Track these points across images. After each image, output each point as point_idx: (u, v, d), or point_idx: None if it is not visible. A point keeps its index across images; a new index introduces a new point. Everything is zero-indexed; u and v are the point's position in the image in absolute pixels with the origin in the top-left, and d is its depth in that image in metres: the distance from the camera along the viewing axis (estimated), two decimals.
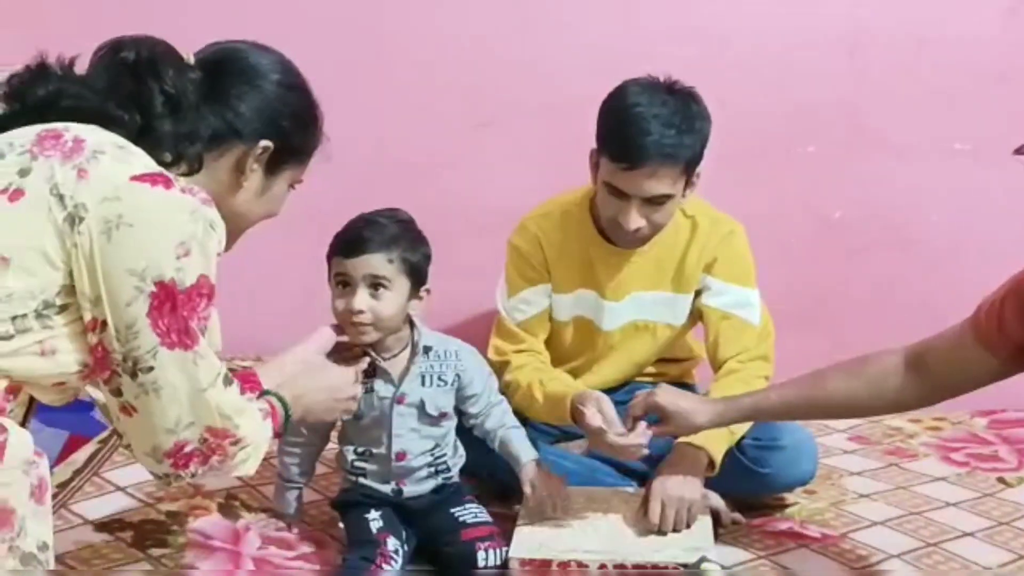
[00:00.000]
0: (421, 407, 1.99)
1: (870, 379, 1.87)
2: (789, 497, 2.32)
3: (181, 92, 1.48)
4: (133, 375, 1.39)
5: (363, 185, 2.93)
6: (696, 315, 2.34)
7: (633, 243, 2.20)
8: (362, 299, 1.90)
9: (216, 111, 1.52)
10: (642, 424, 2.02)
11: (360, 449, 2.01)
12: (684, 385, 2.45)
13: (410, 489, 2.01)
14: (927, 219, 2.99)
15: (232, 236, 1.55)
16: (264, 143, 1.55)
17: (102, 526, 2.04)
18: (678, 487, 2.04)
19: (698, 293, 2.30)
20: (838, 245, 3.01)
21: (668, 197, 2.11)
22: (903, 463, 2.60)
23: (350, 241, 1.92)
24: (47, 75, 1.47)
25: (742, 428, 2.16)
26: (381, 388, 1.97)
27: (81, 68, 1.51)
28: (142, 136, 1.45)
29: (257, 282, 2.85)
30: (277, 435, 1.65)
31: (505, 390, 2.20)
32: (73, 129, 1.42)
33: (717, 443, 2.12)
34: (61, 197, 1.36)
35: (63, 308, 1.38)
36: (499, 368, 2.27)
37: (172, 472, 1.47)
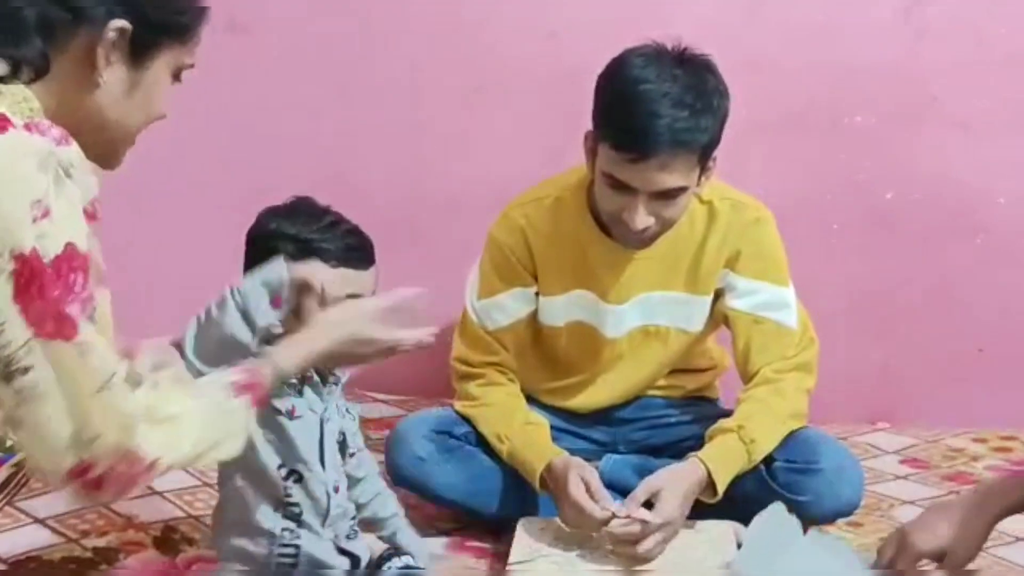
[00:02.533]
0: (342, 441, 1.90)
1: None
2: (829, 530, 2.30)
3: None
4: (6, 379, 1.30)
5: (330, 155, 2.91)
6: (719, 319, 2.32)
7: (638, 243, 2.18)
8: None
9: None
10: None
11: (288, 469, 1.81)
12: (705, 400, 2.45)
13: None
14: (994, 202, 2.98)
15: (112, 150, 1.45)
16: (116, 24, 1.39)
17: (17, 565, 2.03)
18: (681, 512, 2.05)
19: (720, 293, 2.29)
20: (890, 233, 3.01)
21: (682, 190, 2.07)
22: (965, 491, 2.54)
23: (360, 249, 1.82)
24: None
25: (761, 450, 2.16)
26: (310, 397, 1.86)
27: None
28: None
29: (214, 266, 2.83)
30: (261, 403, 1.57)
31: (462, 400, 2.22)
32: None
33: (724, 463, 2.11)
34: None
35: None
36: (461, 376, 2.29)
37: (83, 496, 1.37)
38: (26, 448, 1.37)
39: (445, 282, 2.52)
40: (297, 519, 1.81)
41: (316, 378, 1.83)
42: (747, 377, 2.27)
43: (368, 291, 1.83)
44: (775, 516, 1.97)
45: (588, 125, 2.15)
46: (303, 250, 1.78)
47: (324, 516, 1.83)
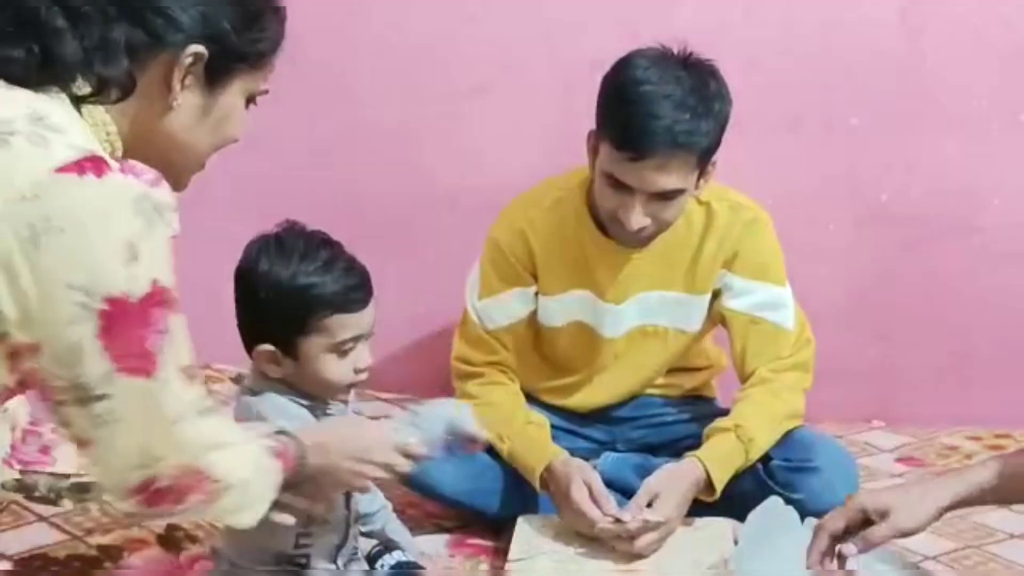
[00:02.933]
0: None
1: None
2: None
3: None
4: (84, 403, 1.31)
5: (329, 155, 2.90)
6: (716, 319, 2.33)
7: (634, 243, 2.19)
8: (368, 350, 1.81)
9: (128, 10, 1.35)
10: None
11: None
12: (703, 399, 2.46)
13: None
14: (989, 203, 2.98)
15: (180, 173, 1.44)
16: (193, 49, 1.38)
17: (21, 563, 2.04)
18: (679, 511, 2.06)
19: (717, 293, 2.30)
20: (886, 234, 3.00)
21: (679, 192, 2.09)
22: None
23: (357, 289, 1.78)
24: None
25: (759, 448, 2.17)
26: None
27: None
28: (46, 66, 1.33)
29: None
30: (289, 484, 1.56)
31: (462, 399, 2.20)
32: None
33: (723, 465, 2.12)
34: None
35: None
36: (462, 376, 2.29)
37: (142, 511, 1.41)
38: (91, 465, 1.40)
39: (444, 282, 2.54)
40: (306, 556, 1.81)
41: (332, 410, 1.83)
42: (744, 376, 2.28)
43: (368, 329, 1.80)
44: (772, 510, 1.99)
45: (588, 126, 2.17)
46: (299, 298, 1.73)
47: (340, 546, 1.84)
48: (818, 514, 2.18)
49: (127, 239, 1.27)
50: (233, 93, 1.45)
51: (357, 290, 1.78)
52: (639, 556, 2.04)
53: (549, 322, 2.32)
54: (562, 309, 2.30)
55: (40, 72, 1.32)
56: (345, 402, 1.87)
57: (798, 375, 2.27)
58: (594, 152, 2.14)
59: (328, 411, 1.83)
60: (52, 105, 1.31)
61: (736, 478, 2.15)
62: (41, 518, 2.17)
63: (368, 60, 2.86)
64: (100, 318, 1.27)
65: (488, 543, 2.21)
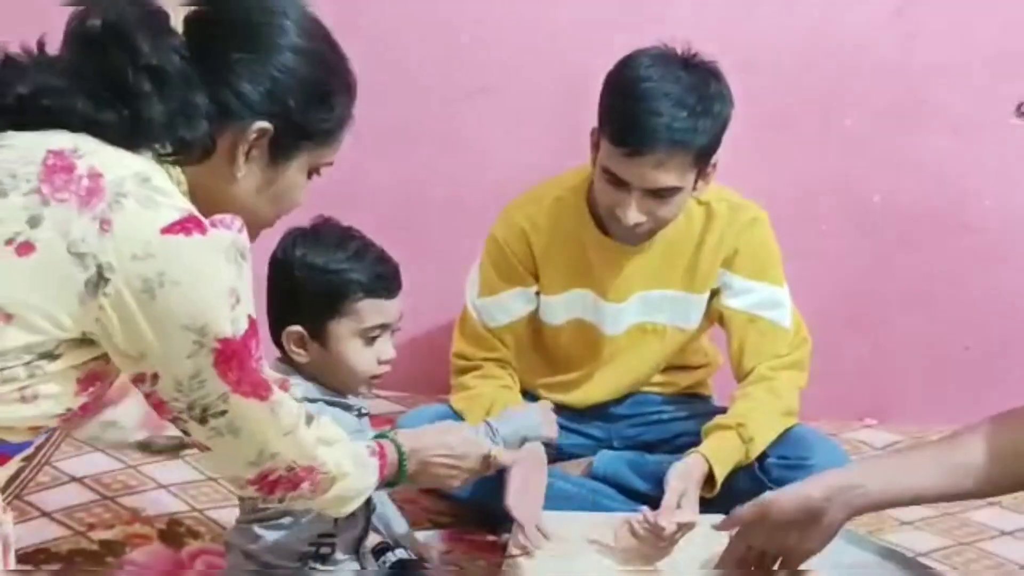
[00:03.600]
0: None
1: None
2: None
3: (164, 62, 1.38)
4: (202, 421, 1.42)
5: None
6: (713, 317, 2.35)
7: (631, 239, 2.21)
8: (393, 344, 1.86)
9: (204, 80, 1.41)
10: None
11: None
12: (699, 396, 2.47)
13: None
14: (981, 204, 2.98)
15: (249, 231, 1.47)
16: (259, 125, 1.44)
17: (24, 558, 2.01)
18: (694, 508, 2.07)
19: (715, 292, 2.31)
20: (879, 234, 3.00)
21: (676, 190, 2.11)
22: None
23: (389, 277, 1.83)
24: (20, 69, 1.40)
25: (758, 447, 2.19)
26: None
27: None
28: (136, 128, 1.39)
29: None
30: (387, 482, 1.70)
31: (456, 393, 2.28)
32: (84, 155, 1.36)
33: (724, 459, 2.14)
34: (81, 256, 1.32)
35: (56, 356, 1.37)
36: (460, 371, 2.31)
37: (257, 496, 1.54)
38: (209, 463, 1.55)
39: (445, 280, 2.54)
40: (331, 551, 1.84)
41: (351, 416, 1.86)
42: (741, 375, 2.29)
43: (395, 318, 1.85)
44: None
45: (589, 126, 2.19)
46: (333, 281, 1.79)
47: (361, 538, 1.87)
48: None
49: (230, 286, 1.37)
50: (296, 167, 1.51)
51: (388, 278, 1.83)
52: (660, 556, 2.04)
53: (550, 320, 2.34)
54: (563, 307, 2.32)
55: (130, 134, 1.39)
56: (362, 397, 1.89)
57: (794, 374, 2.29)
58: (595, 148, 2.16)
59: (355, 405, 1.86)
60: (150, 165, 1.39)
61: (731, 475, 2.16)
62: (43, 513, 2.18)
63: (370, 60, 2.84)
64: (214, 354, 1.37)
65: (486, 538, 2.21)
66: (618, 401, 2.41)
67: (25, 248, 1.32)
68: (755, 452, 2.19)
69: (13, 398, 1.36)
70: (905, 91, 2.93)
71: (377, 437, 1.73)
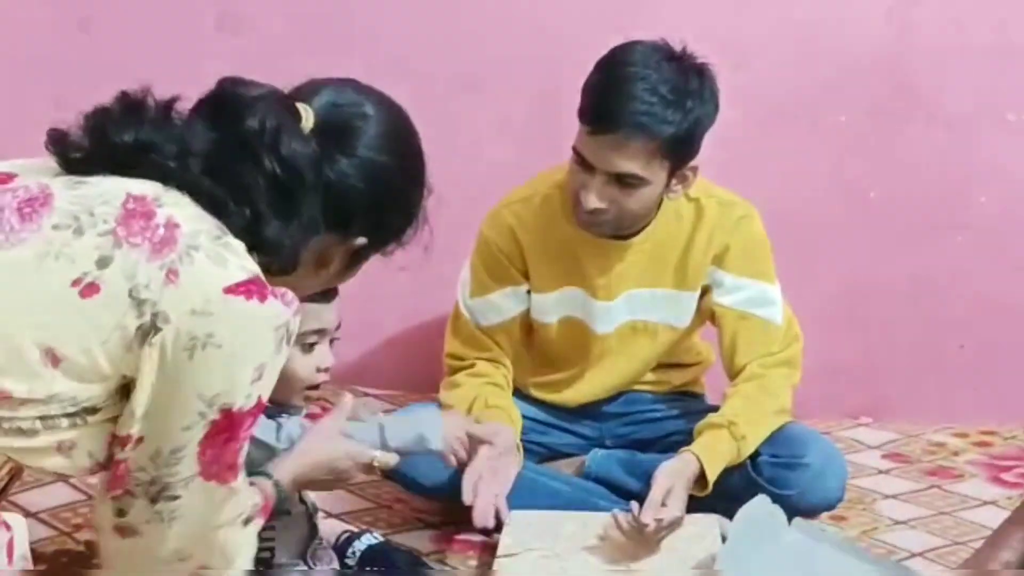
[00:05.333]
0: None
1: None
2: (813, 524, 2.29)
3: (296, 180, 1.41)
4: (153, 500, 1.39)
5: None
6: (705, 315, 2.34)
7: (591, 227, 2.19)
8: (331, 353, 1.85)
9: (320, 193, 1.43)
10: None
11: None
12: (691, 395, 2.47)
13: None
14: (976, 200, 2.98)
15: None
16: (360, 241, 1.50)
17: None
18: (681, 506, 2.07)
19: (707, 290, 2.31)
20: (873, 231, 3.00)
21: (639, 180, 2.10)
22: (946, 485, 2.61)
23: None
24: (140, 119, 1.41)
25: (750, 446, 2.19)
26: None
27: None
28: (245, 234, 1.39)
29: None
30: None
31: (445, 390, 2.26)
32: (165, 204, 1.37)
33: (715, 458, 2.14)
34: (140, 303, 1.33)
35: (96, 410, 1.37)
36: (453, 372, 2.31)
37: None
38: (119, 553, 1.45)
39: (433, 276, 2.53)
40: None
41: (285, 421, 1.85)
42: (733, 372, 2.29)
43: (332, 325, 1.84)
44: (759, 508, 2.00)
45: (570, 123, 2.17)
46: None
47: (308, 538, 1.87)
48: (807, 511, 2.21)
49: (261, 361, 1.36)
50: (363, 264, 1.58)
51: None
52: (647, 553, 2.04)
53: (541, 318, 2.33)
54: (554, 306, 2.32)
55: (241, 233, 1.39)
56: (299, 408, 1.88)
57: (787, 371, 2.29)
58: None
59: (286, 416, 1.84)
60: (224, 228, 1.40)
61: (724, 474, 2.16)
62: (29, 514, 2.17)
63: (355, 56, 2.86)
64: (209, 426, 1.36)
65: (476, 538, 2.20)
66: (610, 400, 2.40)
67: (90, 290, 1.33)
68: (747, 451, 2.19)
69: (51, 447, 1.37)
70: (900, 87, 2.94)
71: (255, 475, 1.65)
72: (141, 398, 1.35)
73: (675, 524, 2.05)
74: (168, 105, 1.43)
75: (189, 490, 1.38)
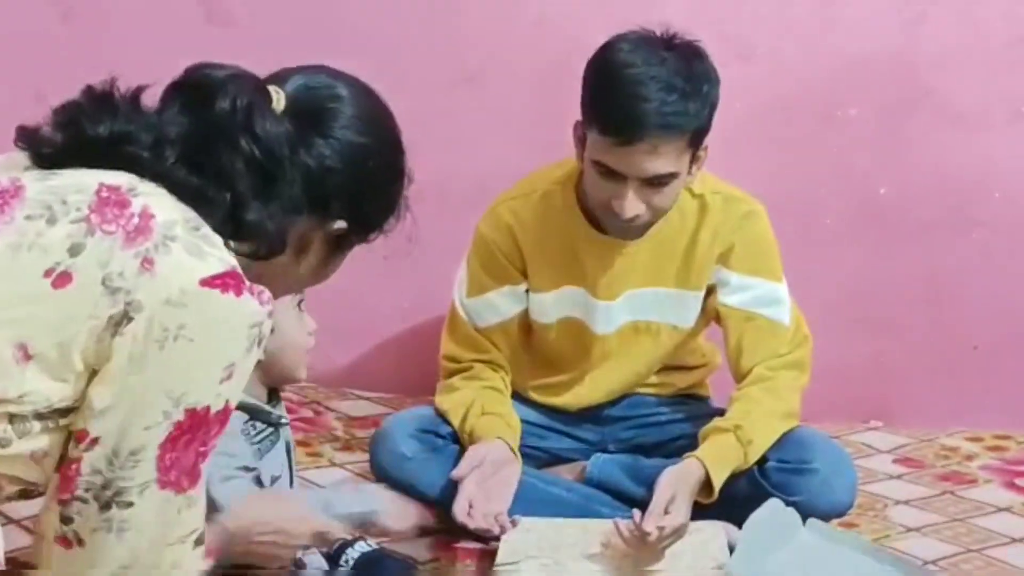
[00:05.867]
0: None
1: None
2: (829, 526, 2.27)
3: (273, 161, 1.42)
4: (104, 507, 1.35)
5: None
6: (710, 315, 2.34)
7: (630, 233, 2.20)
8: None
9: (298, 175, 1.44)
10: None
11: None
12: (696, 398, 2.46)
13: None
14: (990, 196, 2.98)
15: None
16: (339, 225, 1.50)
17: None
18: (688, 513, 2.06)
19: (711, 289, 2.30)
20: (884, 228, 3.00)
21: (672, 176, 2.10)
22: (959, 490, 2.60)
23: None
24: (114, 110, 1.41)
25: (758, 450, 2.18)
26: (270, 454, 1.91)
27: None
28: (232, 219, 1.40)
29: None
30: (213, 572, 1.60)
31: (441, 394, 2.28)
32: (140, 194, 1.37)
33: (721, 463, 2.13)
34: (114, 291, 1.32)
35: (68, 411, 1.36)
36: (450, 374, 2.31)
37: None
38: (57, 565, 1.40)
39: (429, 275, 2.54)
40: None
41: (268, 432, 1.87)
42: (739, 375, 2.29)
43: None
44: (772, 513, 1.99)
45: (577, 115, 2.17)
46: None
47: None
48: (816, 517, 2.20)
49: (232, 360, 1.35)
50: (346, 254, 1.57)
51: None
52: (651, 561, 2.04)
53: (540, 319, 2.33)
54: (553, 306, 2.31)
55: (223, 221, 1.40)
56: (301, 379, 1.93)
57: (795, 373, 2.28)
58: (581, 143, 2.15)
59: (275, 415, 1.85)
60: (200, 218, 1.39)
61: (730, 480, 2.16)
62: (10, 520, 2.16)
63: (351, 49, 2.86)
64: (172, 428, 1.34)
65: (475, 546, 2.20)
66: (612, 403, 2.40)
67: (62, 279, 1.32)
68: (754, 456, 2.18)
69: (25, 456, 1.35)
70: (911, 79, 2.94)
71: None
72: (103, 391, 1.33)
73: (679, 532, 2.04)
74: (136, 95, 1.44)
75: (143, 498, 1.35)
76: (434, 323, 2.66)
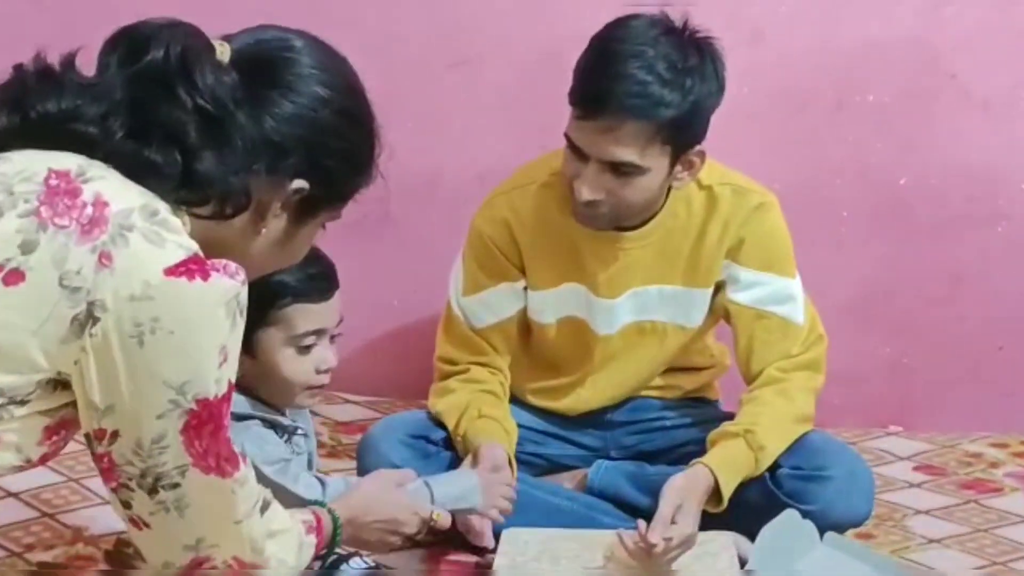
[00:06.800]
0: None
1: None
2: (848, 539, 2.28)
3: (220, 107, 1.41)
4: (152, 492, 1.41)
5: None
6: (719, 314, 2.35)
7: (586, 220, 2.20)
8: (333, 351, 1.86)
9: (248, 128, 1.44)
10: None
11: None
12: (704, 401, 2.47)
13: None
14: (1017, 187, 2.99)
15: None
16: (298, 184, 1.49)
17: None
18: (697, 523, 2.06)
19: (720, 286, 2.31)
20: (904, 221, 3.01)
21: (635, 168, 2.10)
22: (984, 499, 2.60)
23: (321, 278, 1.82)
24: (58, 85, 1.42)
25: (769, 456, 2.19)
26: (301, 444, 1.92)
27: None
28: (184, 179, 1.41)
29: None
30: (319, 555, 1.70)
31: (434, 397, 2.29)
32: (91, 179, 1.38)
33: (731, 470, 2.13)
34: (73, 291, 1.34)
35: (26, 401, 1.38)
36: (445, 377, 2.32)
37: None
38: (141, 542, 1.50)
39: (421, 272, 2.55)
40: None
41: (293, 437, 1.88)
42: (750, 376, 2.30)
43: (332, 323, 1.84)
44: (788, 524, 1.99)
45: None
46: (256, 284, 1.73)
47: None
48: (831, 528, 2.20)
49: (222, 343, 1.38)
50: (314, 225, 1.57)
51: (320, 279, 1.82)
52: (647, 574, 2.04)
53: (539, 318, 2.34)
54: (553, 304, 2.32)
55: (178, 183, 1.41)
56: (304, 407, 1.89)
57: (809, 375, 2.29)
58: None
59: (290, 424, 1.85)
60: (156, 200, 1.40)
61: (740, 488, 2.17)
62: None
63: (339, 30, 2.86)
64: (188, 416, 1.38)
65: (470, 559, 2.20)
66: (615, 407, 2.41)
67: (13, 276, 1.33)
68: (766, 462, 2.19)
69: None
70: (932, 64, 2.94)
71: (314, 504, 1.74)
72: (95, 392, 1.36)
73: (687, 543, 2.04)
74: (71, 62, 1.44)
75: (188, 479, 1.40)
76: (425, 322, 2.66)
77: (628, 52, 2.05)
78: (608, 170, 2.09)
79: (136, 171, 1.40)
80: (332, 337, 1.87)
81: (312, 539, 1.65)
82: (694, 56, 2.09)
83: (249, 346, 1.78)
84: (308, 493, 1.81)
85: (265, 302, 1.78)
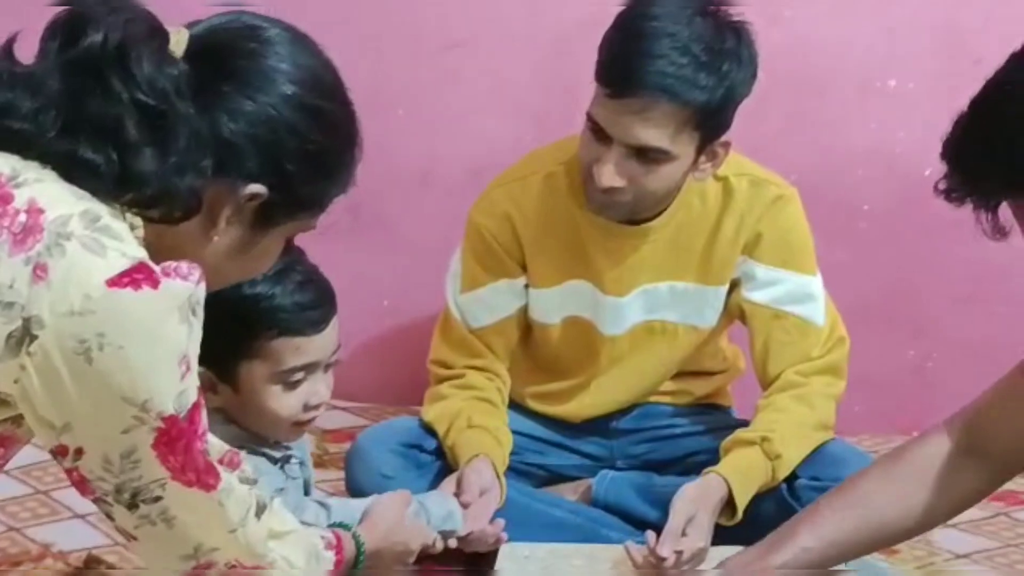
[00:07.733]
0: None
1: (920, 479, 1.92)
2: (869, 561, 2.28)
3: (167, 105, 1.37)
4: (132, 506, 1.40)
5: None
6: (734, 314, 2.35)
7: (604, 209, 2.20)
8: (328, 382, 1.82)
9: (195, 124, 1.40)
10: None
11: None
12: (717, 407, 2.48)
13: None
14: None
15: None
16: (254, 188, 1.43)
17: None
18: (710, 535, 2.07)
19: (736, 284, 2.31)
20: (927, 215, 2.98)
21: (663, 155, 2.10)
22: (1014, 512, 2.60)
23: (313, 308, 1.76)
24: None
25: (787, 466, 2.20)
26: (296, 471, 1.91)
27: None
28: (121, 179, 1.37)
29: None
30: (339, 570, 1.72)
31: (428, 403, 2.30)
32: (24, 184, 1.35)
33: (746, 480, 2.13)
34: (7, 306, 1.31)
35: None
36: (439, 381, 2.32)
37: None
38: (137, 552, 1.50)
39: (415, 267, 2.54)
40: None
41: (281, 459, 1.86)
42: (766, 380, 2.31)
43: (327, 355, 1.80)
44: None
45: (581, 89, 2.18)
46: (240, 313, 1.71)
47: None
48: None
49: (181, 352, 1.35)
50: (278, 234, 1.51)
51: (311, 309, 1.76)
52: None
53: (541, 318, 2.34)
54: (556, 303, 2.32)
55: (114, 183, 1.37)
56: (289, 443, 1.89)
57: (829, 379, 2.29)
58: None
59: (281, 455, 1.84)
60: (98, 204, 1.37)
61: (756, 499, 2.17)
62: None
63: (329, 12, 2.86)
64: (156, 432, 1.36)
65: (464, 572, 2.18)
66: (621, 413, 2.41)
67: None
68: (784, 472, 2.20)
69: None
70: (959, 48, 2.94)
71: (336, 526, 1.76)
72: (47, 410, 1.34)
73: (699, 557, 2.05)
74: (8, 48, 1.41)
75: (169, 492, 1.39)
76: (418, 324, 2.66)
77: (662, 30, 2.06)
78: (633, 155, 2.09)
79: (72, 172, 1.36)
80: (327, 367, 1.82)
81: (331, 555, 1.66)
82: (731, 39, 2.10)
83: (231, 379, 1.77)
84: (315, 521, 1.81)
85: (249, 332, 1.73)
